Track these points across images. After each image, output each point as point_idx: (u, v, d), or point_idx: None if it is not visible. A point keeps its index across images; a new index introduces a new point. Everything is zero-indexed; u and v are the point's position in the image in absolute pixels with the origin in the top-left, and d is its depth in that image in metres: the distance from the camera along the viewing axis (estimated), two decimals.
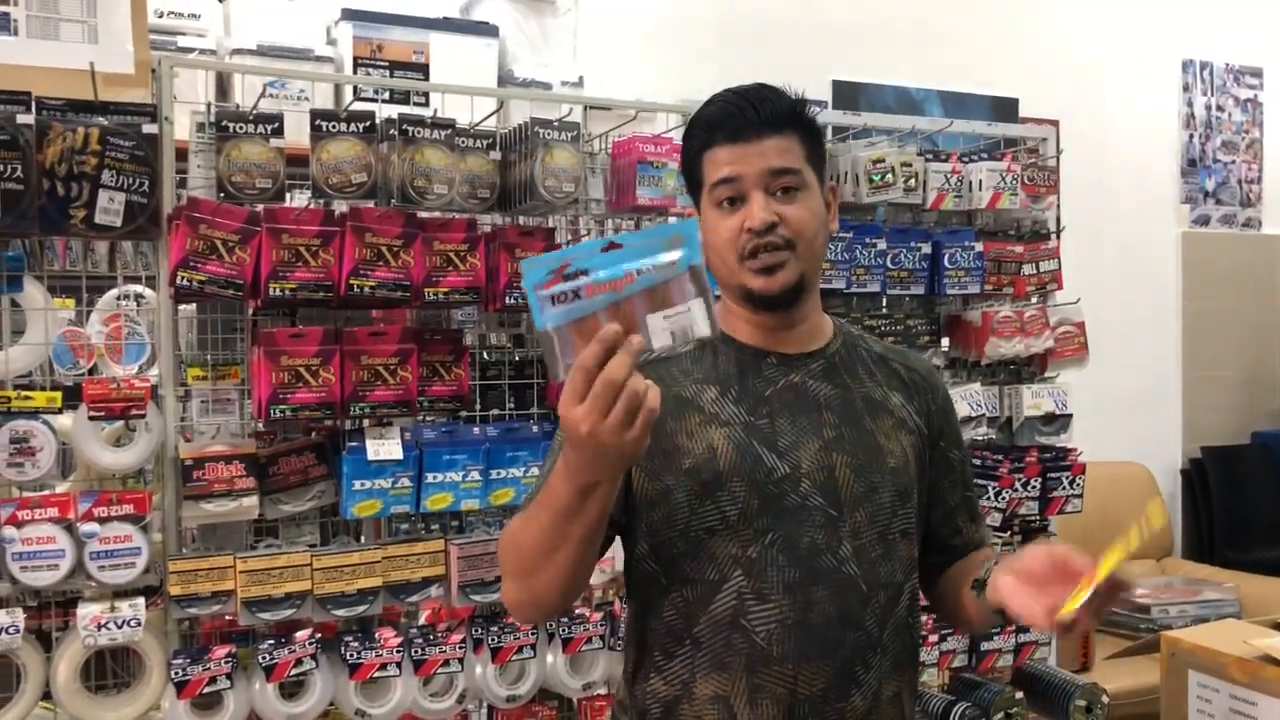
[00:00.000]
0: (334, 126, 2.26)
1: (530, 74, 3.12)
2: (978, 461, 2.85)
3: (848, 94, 4.59)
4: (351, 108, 2.36)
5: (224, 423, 2.32)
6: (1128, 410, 4.97)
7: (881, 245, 2.77)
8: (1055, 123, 4.80)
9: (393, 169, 2.31)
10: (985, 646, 2.85)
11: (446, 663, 2.33)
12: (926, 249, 2.84)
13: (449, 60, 3.03)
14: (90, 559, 2.09)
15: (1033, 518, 2.87)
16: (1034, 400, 2.96)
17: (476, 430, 2.40)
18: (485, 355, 2.64)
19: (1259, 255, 5.67)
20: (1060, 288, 3.10)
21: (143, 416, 2.14)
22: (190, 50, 2.78)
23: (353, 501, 2.26)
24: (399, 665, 2.28)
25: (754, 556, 1.37)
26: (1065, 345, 3.06)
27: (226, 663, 2.16)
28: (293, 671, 2.21)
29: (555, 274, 1.10)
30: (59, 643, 2.16)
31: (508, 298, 2.36)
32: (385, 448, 2.27)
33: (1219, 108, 5.57)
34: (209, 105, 2.34)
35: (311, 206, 2.31)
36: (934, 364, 2.90)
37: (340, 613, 2.26)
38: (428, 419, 2.42)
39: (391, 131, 2.31)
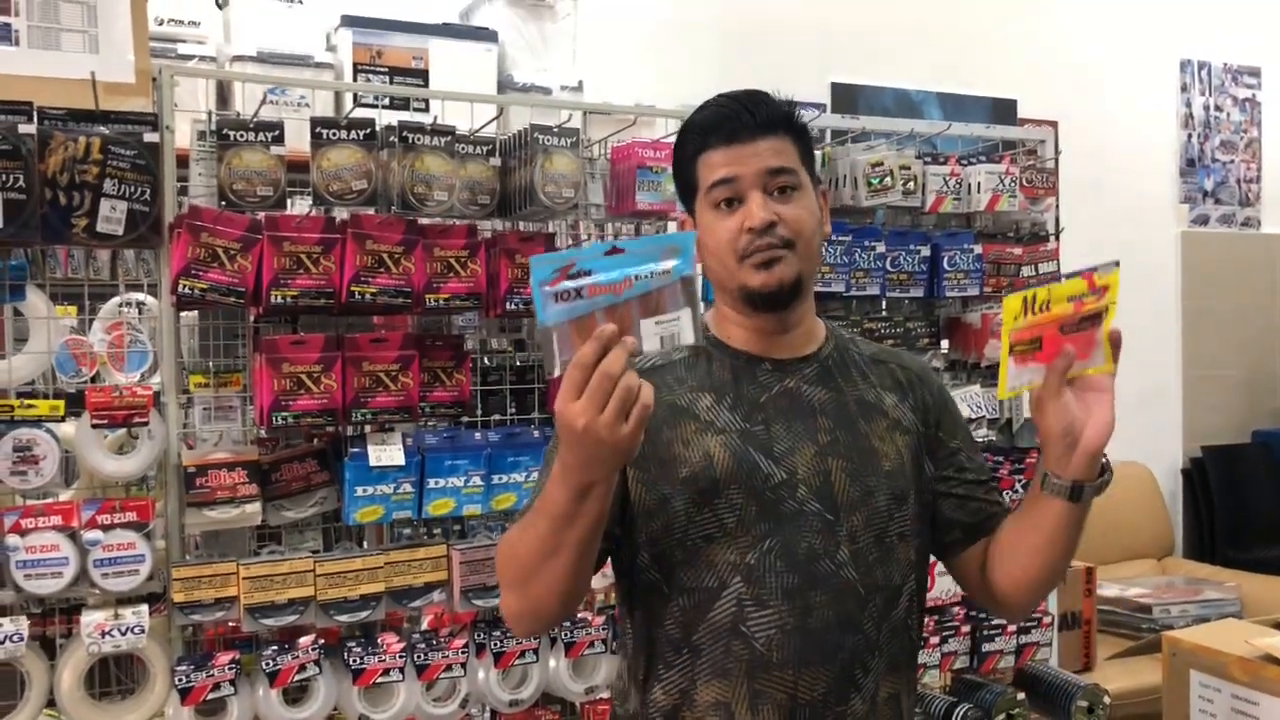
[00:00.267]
0: (334, 134, 2.27)
1: (530, 79, 3.12)
2: (985, 455, 2.85)
3: (847, 96, 4.59)
4: (352, 115, 2.37)
5: (226, 430, 2.32)
6: (1128, 410, 4.89)
7: (880, 248, 2.78)
8: (1054, 124, 4.81)
9: (393, 176, 2.31)
10: (987, 648, 2.86)
11: (449, 668, 2.34)
12: (925, 252, 2.85)
13: (449, 66, 3.04)
14: (94, 566, 2.10)
15: None
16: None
17: (478, 435, 2.41)
18: (486, 361, 2.65)
19: (1258, 254, 5.68)
20: None
21: (145, 424, 2.14)
22: (190, 58, 2.79)
23: (355, 507, 2.27)
24: (402, 670, 2.29)
25: (753, 563, 1.38)
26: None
27: (230, 669, 2.17)
28: (296, 677, 2.22)
29: (560, 272, 1.14)
30: (63, 650, 2.16)
31: (508, 303, 2.36)
32: (387, 454, 2.28)
33: (1217, 107, 5.58)
34: (210, 113, 2.34)
35: (312, 214, 2.31)
36: (932, 364, 2.91)
37: (343, 618, 2.27)
38: (429, 425, 2.43)
39: (391, 138, 2.32)
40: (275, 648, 2.22)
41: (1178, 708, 2.25)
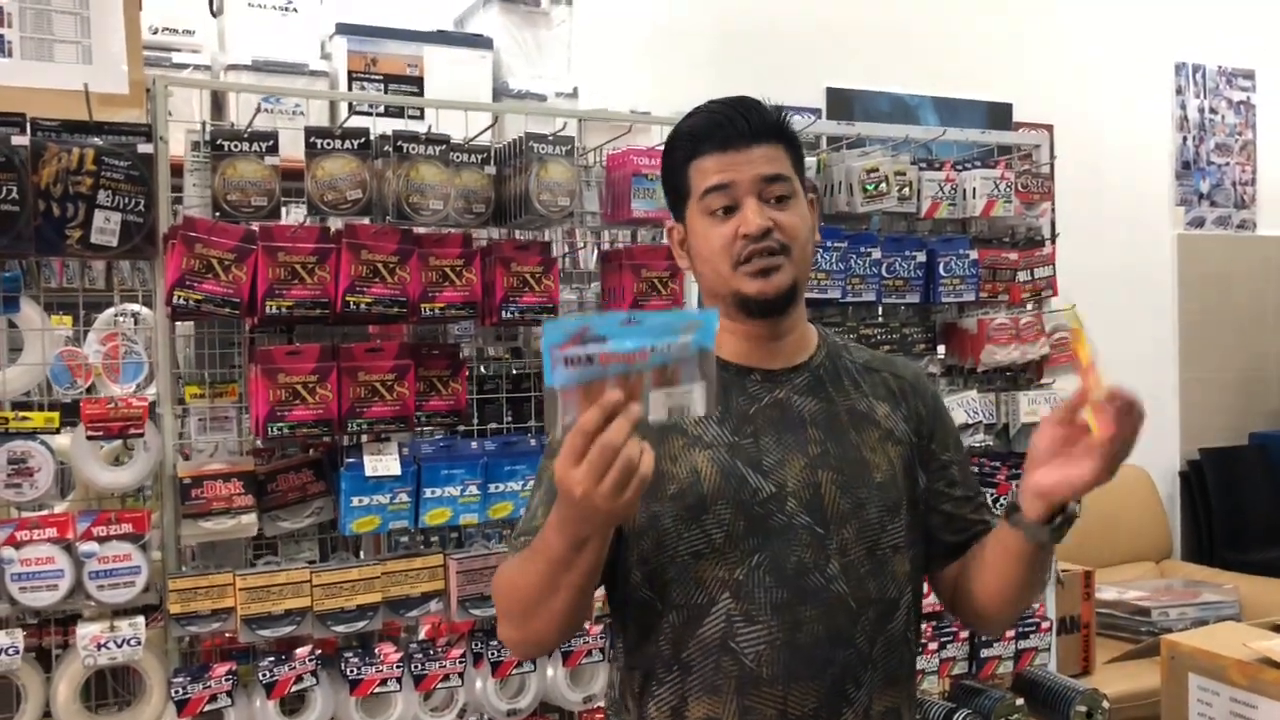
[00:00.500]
0: (329, 143, 2.26)
1: (525, 86, 3.12)
2: (975, 469, 2.85)
3: (842, 101, 4.60)
4: (346, 125, 2.36)
5: (222, 440, 2.32)
6: None
7: (876, 254, 2.78)
8: (1049, 127, 4.82)
9: (388, 185, 2.31)
10: (985, 653, 2.86)
11: (447, 677, 2.33)
12: (921, 257, 2.85)
13: (443, 73, 3.04)
14: (89, 578, 2.09)
15: None
16: (1030, 406, 2.97)
17: (474, 444, 2.41)
18: (482, 369, 2.65)
19: (1254, 256, 5.68)
20: (1055, 294, 3.11)
21: (141, 435, 2.14)
22: (185, 66, 2.79)
23: (351, 517, 2.26)
24: (399, 681, 2.29)
25: (741, 578, 1.37)
26: (1061, 351, 3.07)
27: (227, 680, 2.16)
28: (293, 688, 2.21)
29: (574, 337, 1.13)
30: (59, 662, 2.16)
31: (504, 312, 2.36)
32: (383, 463, 2.28)
33: (1212, 110, 5.59)
34: (204, 124, 2.34)
35: (307, 223, 2.31)
36: (926, 370, 2.91)
37: (340, 629, 2.27)
38: (425, 434, 2.43)
39: (386, 148, 2.32)
40: (272, 659, 2.21)
41: (1177, 711, 2.25)
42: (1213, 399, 5.51)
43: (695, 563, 1.37)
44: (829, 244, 2.68)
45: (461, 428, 2.45)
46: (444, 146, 2.34)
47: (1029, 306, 3.05)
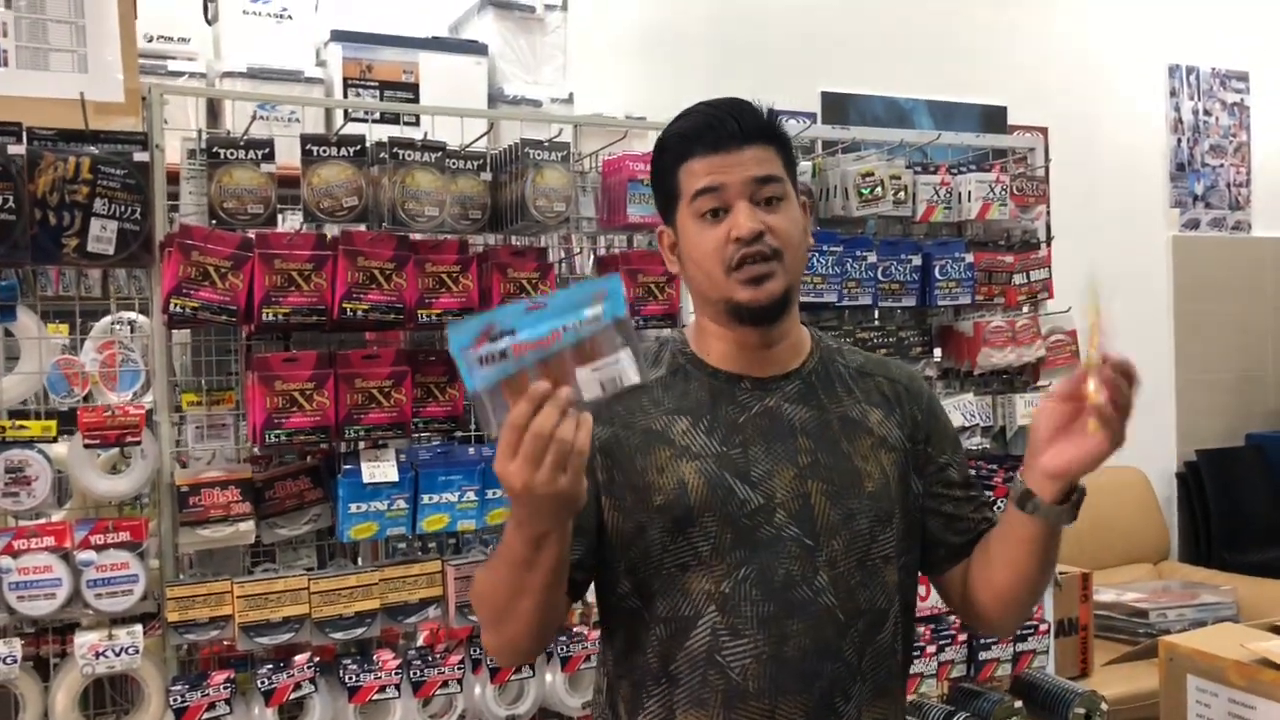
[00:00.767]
0: (324, 151, 2.27)
1: (520, 91, 3.13)
2: (972, 471, 2.85)
3: (837, 105, 4.60)
4: (342, 131, 2.37)
5: (219, 448, 2.32)
6: None
7: (872, 258, 2.78)
8: (1044, 130, 4.83)
9: (384, 192, 2.31)
10: (984, 656, 2.86)
11: (445, 683, 2.33)
12: (917, 261, 2.85)
13: (439, 79, 3.04)
14: (87, 587, 2.09)
15: None
16: (1027, 409, 2.98)
17: (471, 450, 2.41)
18: None
19: (1249, 258, 5.69)
20: (1051, 296, 3.12)
21: (138, 443, 2.14)
22: (180, 74, 2.79)
23: (349, 524, 2.26)
24: (398, 687, 2.29)
25: (727, 592, 1.35)
26: (1057, 354, 3.07)
27: (225, 688, 2.16)
28: (292, 695, 2.21)
29: (481, 335, 1.11)
30: (57, 671, 2.16)
31: None
32: (380, 470, 2.28)
33: (1206, 112, 5.60)
34: (200, 132, 2.34)
35: (303, 231, 2.31)
36: (923, 373, 2.91)
37: (338, 635, 2.27)
38: (422, 440, 2.43)
39: (382, 155, 2.32)
40: (270, 666, 2.21)
41: (1175, 713, 2.24)
42: (1209, 400, 5.52)
43: (682, 575, 1.36)
44: (825, 248, 2.69)
45: (459, 434, 2.45)
46: (440, 153, 2.35)
47: (1025, 309, 3.05)
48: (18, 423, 2.12)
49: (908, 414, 1.48)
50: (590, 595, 1.49)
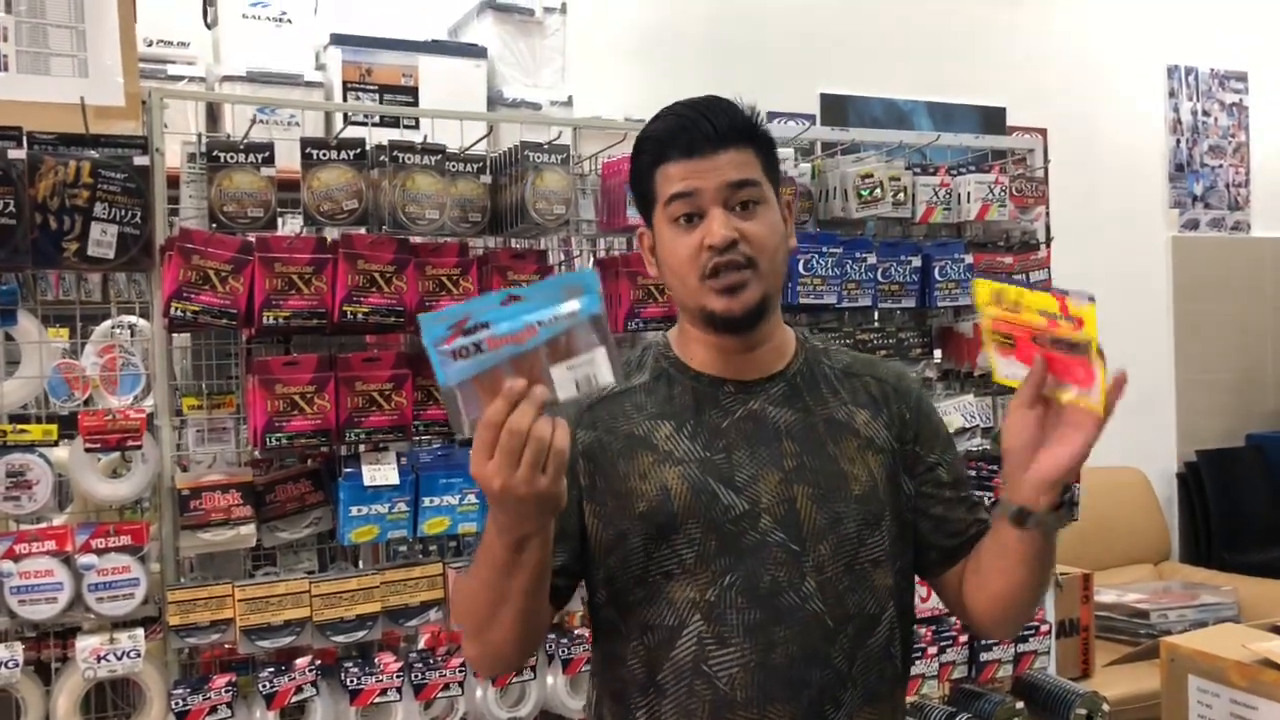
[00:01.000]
0: (324, 154, 2.27)
1: (519, 94, 3.13)
2: (972, 473, 2.86)
3: (836, 106, 4.61)
4: (342, 135, 2.37)
5: (220, 452, 2.32)
6: (1122, 415, 4.85)
7: (872, 259, 2.78)
8: (1043, 131, 4.83)
9: (384, 195, 2.32)
10: (985, 657, 2.86)
11: (447, 686, 2.33)
12: (917, 262, 2.85)
13: (438, 82, 3.05)
14: (89, 591, 2.09)
15: None
16: None
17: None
18: None
19: (1248, 258, 5.70)
20: None
21: (139, 447, 2.14)
22: (180, 78, 2.79)
23: (350, 527, 2.26)
24: (399, 690, 2.28)
25: (713, 599, 1.33)
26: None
27: (227, 691, 2.16)
28: (293, 699, 2.21)
29: (455, 329, 1.08)
30: (58, 675, 2.15)
31: None
32: (381, 473, 2.27)
33: (1205, 112, 5.60)
34: (200, 135, 2.35)
35: (303, 234, 2.32)
36: (922, 374, 2.91)
37: (339, 639, 2.27)
38: (423, 443, 2.43)
39: (382, 158, 2.32)
40: (272, 669, 2.21)
41: (1177, 713, 2.24)
42: (1209, 401, 5.52)
43: (666, 583, 1.34)
44: (824, 249, 2.69)
45: (459, 436, 2.45)
46: (439, 156, 2.35)
47: None
48: (18, 427, 2.12)
49: (895, 414, 1.45)
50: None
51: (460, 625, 1.38)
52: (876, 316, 2.94)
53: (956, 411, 2.85)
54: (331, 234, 2.35)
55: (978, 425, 2.88)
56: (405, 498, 2.30)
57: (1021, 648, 2.90)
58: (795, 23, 4.53)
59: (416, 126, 2.79)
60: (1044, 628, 2.94)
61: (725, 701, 1.32)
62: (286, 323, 2.20)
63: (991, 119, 4.91)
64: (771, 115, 4.39)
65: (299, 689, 2.21)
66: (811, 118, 4.42)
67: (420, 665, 2.32)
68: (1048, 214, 3.20)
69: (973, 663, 2.86)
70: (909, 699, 2.83)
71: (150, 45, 2.77)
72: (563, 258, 2.91)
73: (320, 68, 3.02)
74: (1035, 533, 1.29)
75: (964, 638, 2.84)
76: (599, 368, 1.11)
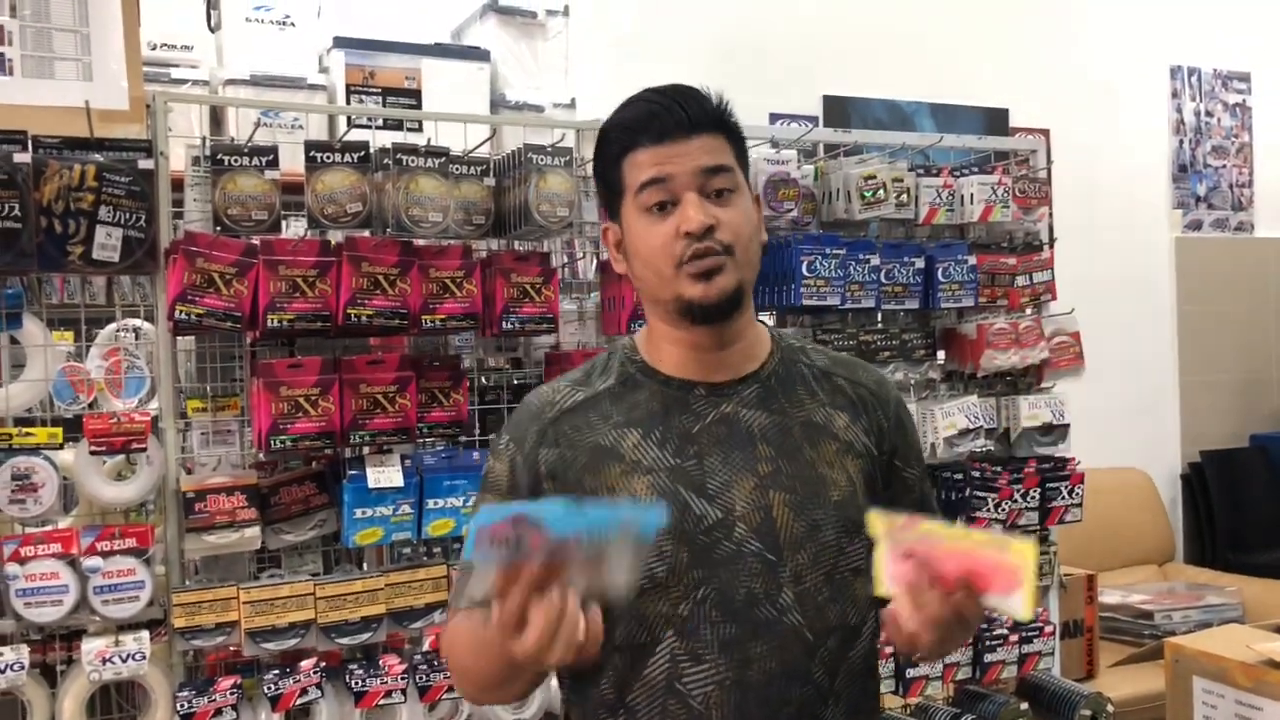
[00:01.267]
0: (328, 157, 2.27)
1: (522, 97, 3.13)
2: (976, 473, 2.86)
3: (839, 108, 4.61)
4: (345, 137, 2.37)
5: (225, 454, 2.32)
6: (1126, 416, 4.98)
7: (875, 261, 2.78)
8: (1046, 132, 4.83)
9: (387, 198, 2.32)
10: (989, 658, 2.86)
11: (451, 688, 2.33)
12: (920, 263, 2.85)
13: (441, 85, 3.05)
14: (94, 593, 2.10)
15: (1033, 528, 2.88)
16: (1031, 411, 2.97)
17: (476, 455, 2.41)
18: (483, 380, 2.65)
19: (1252, 258, 5.69)
20: (1054, 298, 3.12)
21: (144, 450, 2.14)
22: (184, 81, 2.80)
23: (354, 529, 2.27)
24: (404, 692, 2.29)
25: (685, 614, 1.26)
26: (1061, 355, 3.07)
27: (232, 694, 2.17)
28: (298, 701, 2.21)
29: (508, 521, 1.05)
30: (64, 677, 2.16)
31: (505, 323, 2.37)
32: (385, 475, 2.28)
33: (1208, 113, 5.60)
34: (204, 139, 2.35)
35: (307, 237, 2.32)
36: (925, 375, 2.92)
37: (344, 641, 2.27)
38: (427, 445, 2.43)
39: (386, 161, 2.33)
40: (277, 671, 2.21)
41: (1182, 714, 2.25)
42: (1213, 401, 5.51)
43: (636, 600, 1.24)
44: (827, 251, 2.69)
45: (463, 438, 2.45)
46: (443, 159, 2.36)
47: (1028, 311, 3.05)
48: (24, 430, 2.13)
49: (874, 421, 1.39)
50: None
51: (454, 673, 1.33)
52: (880, 318, 2.94)
53: (960, 412, 2.85)
54: (335, 237, 2.35)
55: (981, 426, 2.88)
56: (409, 500, 2.30)
57: (1026, 649, 2.89)
58: (798, 25, 4.53)
59: (420, 129, 2.79)
60: (1048, 629, 2.94)
61: None
62: (291, 325, 2.21)
63: (994, 120, 4.91)
64: (774, 117, 4.41)
65: (304, 691, 2.21)
66: (814, 119, 4.42)
67: (425, 667, 2.32)
68: (1051, 215, 3.20)
69: (977, 664, 2.86)
70: (913, 700, 2.84)
71: (154, 49, 2.77)
72: (566, 260, 2.91)
73: (323, 71, 3.03)
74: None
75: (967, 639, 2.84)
76: (614, 578, 1.06)
